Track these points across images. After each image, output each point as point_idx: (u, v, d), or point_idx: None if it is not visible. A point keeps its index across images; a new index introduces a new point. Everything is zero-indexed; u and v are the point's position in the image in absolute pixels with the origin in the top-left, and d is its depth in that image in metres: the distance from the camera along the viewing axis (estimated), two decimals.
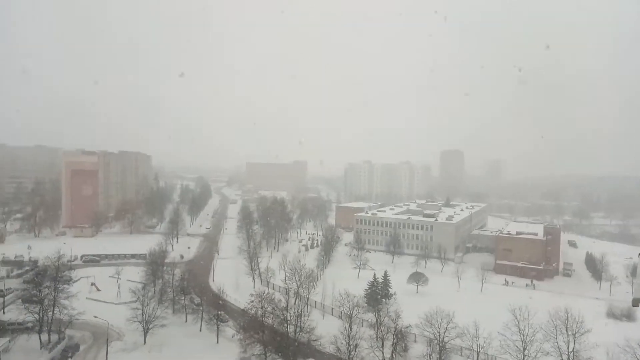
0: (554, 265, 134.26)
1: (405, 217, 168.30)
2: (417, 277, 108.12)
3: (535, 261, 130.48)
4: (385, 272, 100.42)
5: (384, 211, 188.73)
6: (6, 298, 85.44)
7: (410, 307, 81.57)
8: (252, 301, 70.75)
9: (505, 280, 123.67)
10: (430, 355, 50.53)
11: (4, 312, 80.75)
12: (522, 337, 61.26)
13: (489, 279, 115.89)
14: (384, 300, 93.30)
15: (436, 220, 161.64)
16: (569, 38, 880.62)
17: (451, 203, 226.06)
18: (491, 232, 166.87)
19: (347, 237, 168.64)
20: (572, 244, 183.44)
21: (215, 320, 77.89)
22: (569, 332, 61.97)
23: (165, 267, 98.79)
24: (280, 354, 62.74)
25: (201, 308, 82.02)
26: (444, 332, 61.76)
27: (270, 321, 67.12)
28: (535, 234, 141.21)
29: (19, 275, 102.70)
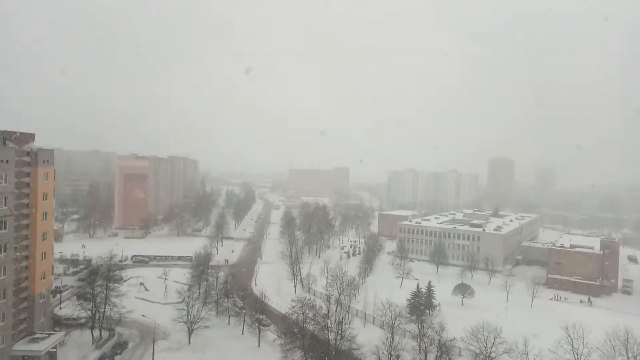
0: (612, 281, 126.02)
1: (450, 226, 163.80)
2: (462, 289, 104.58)
3: (591, 276, 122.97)
4: (429, 282, 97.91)
5: (429, 220, 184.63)
6: (62, 294, 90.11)
7: (455, 320, 79.02)
8: (294, 307, 70.68)
9: (555, 295, 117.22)
10: None
11: (60, 308, 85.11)
12: (576, 357, 57.67)
13: (540, 294, 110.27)
14: (427, 311, 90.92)
15: (484, 230, 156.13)
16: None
17: (500, 213, 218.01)
18: (543, 245, 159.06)
19: (390, 245, 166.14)
20: (632, 259, 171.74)
21: (257, 324, 78.54)
22: (629, 354, 57.71)
23: (209, 270, 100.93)
24: None
25: (244, 311, 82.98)
26: (491, 347, 59.12)
27: (311, 327, 66.77)
28: (591, 248, 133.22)
29: (74, 273, 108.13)
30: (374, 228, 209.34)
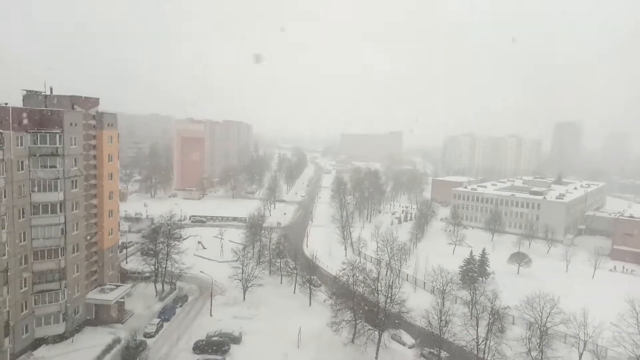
0: None
1: (508, 193, 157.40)
2: (519, 257, 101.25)
3: None
4: (483, 249, 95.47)
5: (485, 187, 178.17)
6: (128, 250, 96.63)
7: (509, 288, 76.86)
8: (344, 269, 71.58)
9: (615, 267, 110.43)
10: (529, 339, 46.95)
11: (126, 262, 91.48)
12: None
13: (603, 265, 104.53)
14: (480, 278, 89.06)
15: (544, 198, 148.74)
16: None
17: (563, 180, 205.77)
18: (609, 214, 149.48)
19: (443, 212, 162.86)
20: None
21: (308, 285, 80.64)
22: None
23: (263, 231, 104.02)
24: (369, 322, 63.13)
25: (295, 272, 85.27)
26: (547, 317, 57.01)
27: (361, 290, 67.52)
28: None
29: (138, 231, 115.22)
30: (427, 194, 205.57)
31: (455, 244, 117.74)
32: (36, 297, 56.76)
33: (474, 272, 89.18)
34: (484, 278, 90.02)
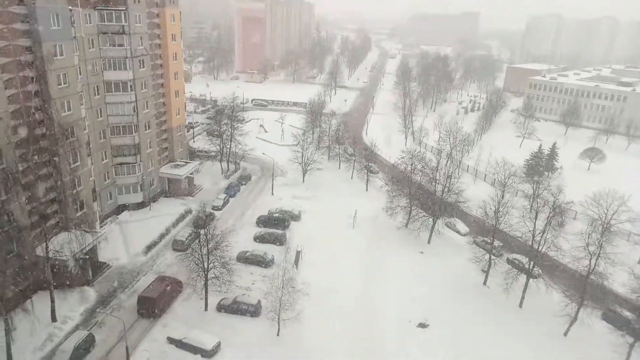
0: None
1: (592, 84, 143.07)
2: (591, 153, 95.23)
3: None
4: (554, 143, 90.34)
5: (566, 76, 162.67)
6: (194, 130, 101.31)
7: (576, 184, 73.98)
8: (403, 157, 71.24)
9: None
10: (589, 235, 45.83)
11: (194, 141, 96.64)
12: None
13: None
14: (546, 173, 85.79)
15: (634, 90, 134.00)
16: None
17: None
18: None
19: (515, 103, 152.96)
20: None
21: (365, 171, 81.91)
22: None
23: (322, 117, 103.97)
24: (424, 209, 64.21)
25: (354, 158, 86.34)
26: (612, 214, 54.70)
27: (419, 178, 67.67)
28: None
29: (203, 112, 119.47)
30: (499, 83, 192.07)
31: (524, 137, 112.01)
32: (116, 168, 62.48)
33: (541, 166, 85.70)
34: (550, 173, 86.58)
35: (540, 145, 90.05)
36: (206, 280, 44.56)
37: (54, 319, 42.18)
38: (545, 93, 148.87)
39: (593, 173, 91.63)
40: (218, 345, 40.27)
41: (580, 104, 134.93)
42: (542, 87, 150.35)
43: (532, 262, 49.86)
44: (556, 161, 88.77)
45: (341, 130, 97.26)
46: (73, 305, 44.54)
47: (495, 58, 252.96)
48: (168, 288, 45.94)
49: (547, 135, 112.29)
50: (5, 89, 39.46)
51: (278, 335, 42.60)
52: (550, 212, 50.05)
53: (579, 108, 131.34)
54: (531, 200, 64.77)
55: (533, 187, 68.39)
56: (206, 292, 45.15)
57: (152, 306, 43.64)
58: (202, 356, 39.45)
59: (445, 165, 69.16)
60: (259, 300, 45.71)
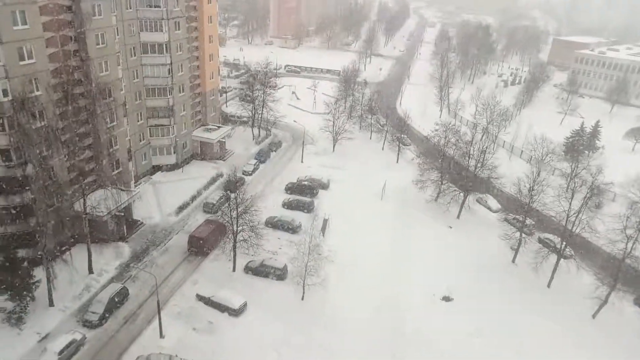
0: None
1: None
2: (637, 133, 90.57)
3: None
4: (597, 121, 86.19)
5: (617, 50, 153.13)
6: (227, 95, 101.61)
7: (618, 165, 70.79)
8: (437, 130, 69.62)
9: None
10: (627, 217, 43.91)
11: (226, 106, 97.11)
12: None
13: None
14: (586, 152, 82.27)
15: None
16: None
17: None
18: None
19: (559, 77, 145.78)
20: None
21: (397, 142, 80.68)
22: None
23: (356, 86, 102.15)
24: (455, 184, 63.07)
25: (386, 129, 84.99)
26: None
27: (452, 152, 66.18)
28: None
29: (236, 77, 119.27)
30: (544, 56, 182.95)
31: (566, 114, 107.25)
32: (151, 130, 63.72)
33: (582, 145, 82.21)
34: (591, 152, 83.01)
35: (583, 122, 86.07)
36: (235, 242, 45.66)
37: (90, 271, 44.38)
38: (592, 68, 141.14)
39: (637, 154, 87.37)
40: (244, 305, 41.58)
41: (630, 80, 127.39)
42: (589, 61, 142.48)
43: (564, 243, 48.55)
44: (598, 140, 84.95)
45: (374, 100, 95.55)
46: (108, 259, 46.66)
47: (540, 29, 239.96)
48: (215, 230, 49.26)
49: (591, 113, 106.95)
50: (47, 47, 40.33)
51: (303, 299, 43.51)
52: (587, 193, 48.28)
53: (627, 85, 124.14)
54: (568, 179, 62.55)
55: (572, 165, 65.91)
56: (234, 254, 46.36)
57: (202, 245, 47.85)
58: (229, 314, 40.85)
59: (481, 139, 67.03)
60: (285, 264, 46.60)
